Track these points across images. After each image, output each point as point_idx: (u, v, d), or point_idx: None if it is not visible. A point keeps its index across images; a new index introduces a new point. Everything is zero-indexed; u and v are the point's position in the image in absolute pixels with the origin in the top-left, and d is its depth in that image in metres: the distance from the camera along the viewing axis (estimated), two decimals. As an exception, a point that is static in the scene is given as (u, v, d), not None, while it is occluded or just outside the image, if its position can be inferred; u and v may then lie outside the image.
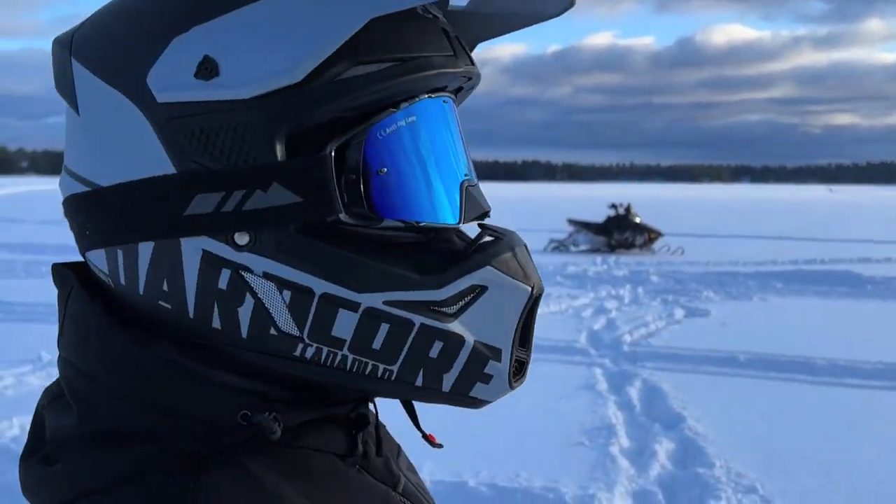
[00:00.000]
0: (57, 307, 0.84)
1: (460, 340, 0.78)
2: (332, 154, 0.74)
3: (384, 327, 0.76)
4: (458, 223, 0.82)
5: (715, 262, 16.72)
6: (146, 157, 0.74)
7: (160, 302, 0.77)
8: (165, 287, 0.76)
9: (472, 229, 0.87)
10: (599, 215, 20.88)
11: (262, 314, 0.75)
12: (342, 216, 0.75)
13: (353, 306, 0.75)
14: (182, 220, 0.73)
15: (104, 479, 0.74)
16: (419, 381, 0.79)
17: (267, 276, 0.74)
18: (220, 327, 0.76)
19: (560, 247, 20.00)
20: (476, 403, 0.82)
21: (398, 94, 0.77)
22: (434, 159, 0.81)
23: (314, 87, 0.72)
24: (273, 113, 0.72)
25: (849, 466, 5.11)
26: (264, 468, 0.76)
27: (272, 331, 0.75)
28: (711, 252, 18.70)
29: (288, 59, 0.72)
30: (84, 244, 0.82)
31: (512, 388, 0.83)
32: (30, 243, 18.35)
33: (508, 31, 0.92)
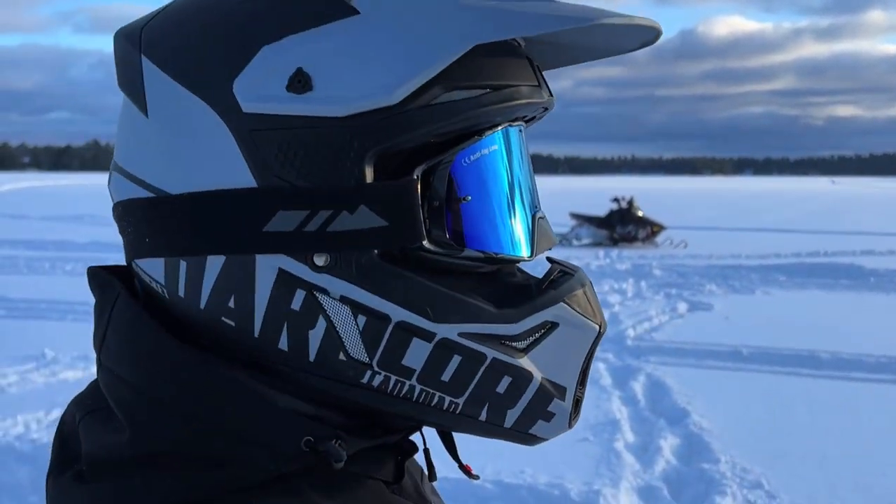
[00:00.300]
0: (94, 313, 0.81)
1: (528, 377, 0.77)
2: (419, 179, 0.72)
3: (456, 359, 0.75)
4: (532, 256, 0.81)
5: (718, 255, 16.70)
6: (225, 167, 0.72)
7: (223, 318, 0.74)
8: (232, 304, 0.73)
9: (530, 265, 0.86)
10: (602, 209, 20.86)
11: (332, 338, 0.73)
12: (425, 243, 0.73)
13: (428, 336, 0.73)
14: (260, 237, 0.71)
15: (154, 503, 0.71)
16: (483, 416, 0.78)
17: (344, 299, 0.72)
18: (286, 349, 0.73)
19: (562, 241, 19.98)
20: (533, 441, 0.81)
21: (485, 122, 0.76)
22: (513, 189, 0.80)
23: (410, 110, 0.70)
24: (365, 133, 0.70)
25: (854, 460, 5.10)
26: (324, 495, 0.74)
27: (341, 356, 0.73)
28: (714, 245, 18.68)
29: (387, 80, 0.69)
30: (138, 251, 0.78)
31: (570, 426, 0.82)
32: (32, 239, 18.36)
33: (576, 63, 0.90)
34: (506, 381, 0.76)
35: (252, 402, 0.73)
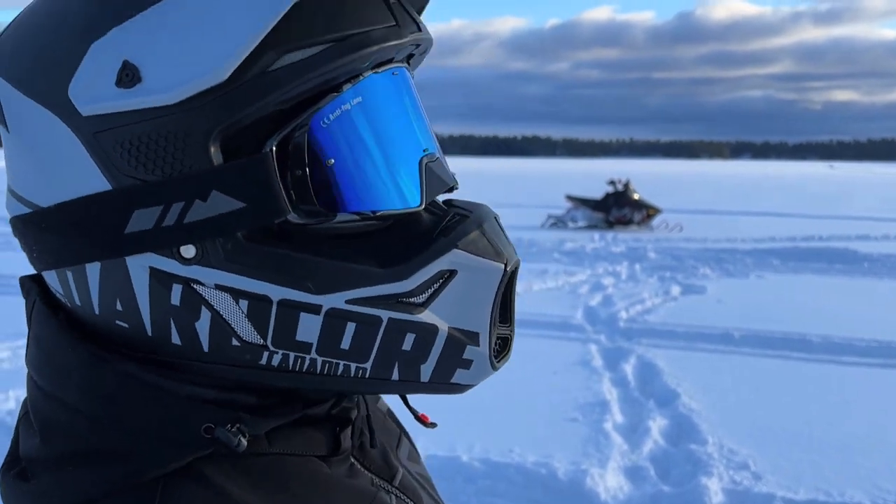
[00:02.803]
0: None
1: (433, 330, 0.75)
2: (273, 151, 0.70)
3: (350, 326, 0.73)
4: (420, 205, 0.77)
5: (713, 238, 16.72)
6: (80, 174, 0.70)
7: (117, 321, 0.73)
8: (119, 307, 0.73)
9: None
10: (598, 191, 20.86)
11: (221, 326, 0.72)
12: (291, 217, 0.71)
13: (314, 309, 0.72)
14: (123, 239, 0.70)
15: (71, 501, 0.71)
16: (395, 376, 0.76)
17: (220, 287, 0.71)
18: (180, 343, 0.73)
19: (558, 223, 20.00)
20: (459, 389, 0.79)
21: (339, 77, 0.72)
22: (387, 139, 0.77)
23: (243, 84, 0.67)
24: (203, 116, 0.67)
25: (842, 443, 5.13)
26: (233, 480, 0.73)
27: (234, 342, 0.72)
28: (710, 229, 18.70)
29: (210, 58, 0.66)
30: (34, 265, 0.78)
31: (495, 369, 0.80)
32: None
33: None
34: (410, 338, 0.75)
35: (147, 394, 0.72)
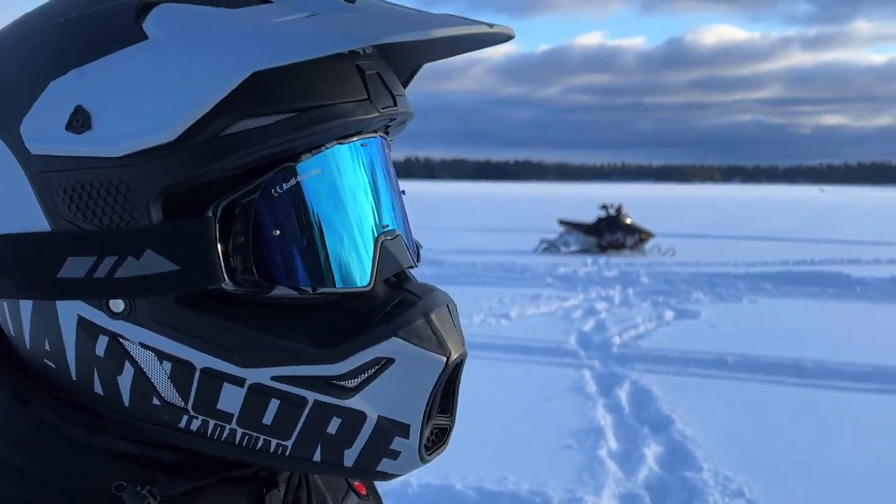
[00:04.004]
0: None
1: (361, 417, 0.71)
2: (218, 215, 0.67)
3: (274, 403, 0.70)
4: (368, 286, 0.73)
5: (705, 263, 16.74)
6: (23, 210, 0.69)
7: (45, 360, 0.72)
8: (48, 347, 0.71)
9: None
10: (590, 216, 20.89)
11: (143, 384, 0.69)
12: (225, 285, 0.68)
13: (238, 381, 0.69)
14: (55, 283, 0.68)
15: None
16: (318, 457, 0.73)
17: (145, 346, 0.68)
18: (102, 393, 0.71)
19: (551, 247, 20.00)
20: (384, 477, 0.75)
21: (298, 147, 0.69)
22: (342, 214, 0.73)
23: (192, 146, 0.65)
24: (148, 173, 0.65)
25: (837, 470, 5.11)
26: None
27: (155, 401, 0.70)
28: (702, 253, 18.72)
29: (160, 116, 0.64)
30: None
31: (424, 462, 0.76)
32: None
33: (454, 55, 0.83)
34: (336, 423, 0.71)
35: (61, 444, 0.70)
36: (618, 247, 19.84)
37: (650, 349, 8.56)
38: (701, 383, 7.25)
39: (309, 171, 0.71)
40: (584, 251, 19.79)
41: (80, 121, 0.65)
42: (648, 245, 19.89)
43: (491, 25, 0.73)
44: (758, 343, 8.78)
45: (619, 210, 20.28)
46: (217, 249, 0.67)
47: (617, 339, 8.94)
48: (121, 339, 0.69)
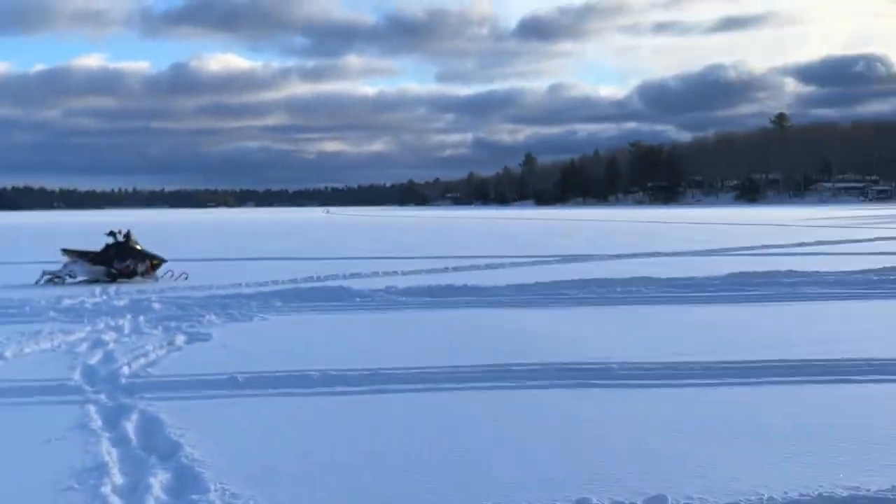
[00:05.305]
0: None
1: None
2: None
3: None
4: None
5: (219, 285, 16.85)
6: None
7: None
8: None
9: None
10: (100, 243, 19.87)
11: None
12: None
13: None
14: None
15: None
16: None
17: None
18: None
19: (54, 279, 18.63)
20: None
21: None
22: None
23: None
24: None
25: (339, 471, 5.45)
26: None
27: None
28: (216, 276, 18.82)
29: None
30: None
31: None
32: None
33: None
34: None
35: None
36: (129, 274, 19.14)
37: (160, 376, 8.38)
38: (212, 404, 7.28)
39: None
40: (94, 281, 18.75)
41: None
42: (161, 271, 19.48)
43: None
44: (267, 358, 9.09)
45: (127, 236, 19.57)
46: None
47: (126, 370, 8.60)
48: None
